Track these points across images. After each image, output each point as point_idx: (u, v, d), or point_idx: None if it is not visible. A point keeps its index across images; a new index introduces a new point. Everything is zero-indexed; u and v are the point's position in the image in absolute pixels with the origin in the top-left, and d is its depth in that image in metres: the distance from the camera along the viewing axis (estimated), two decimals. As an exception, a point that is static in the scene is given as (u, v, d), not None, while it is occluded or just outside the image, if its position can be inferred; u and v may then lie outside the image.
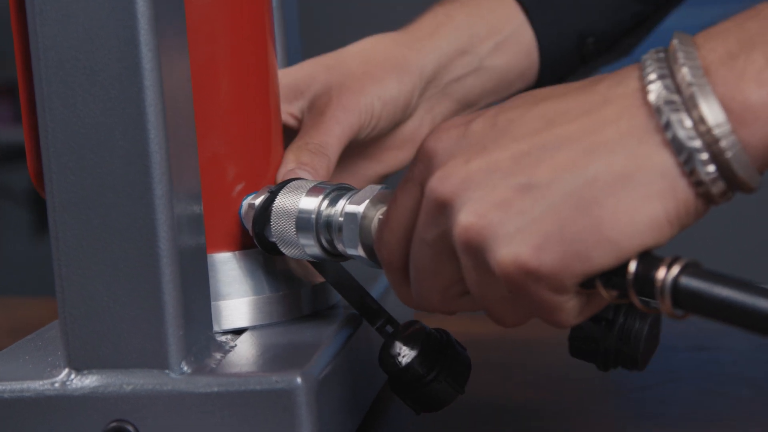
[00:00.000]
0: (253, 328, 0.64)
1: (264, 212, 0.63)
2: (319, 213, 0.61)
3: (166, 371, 0.57)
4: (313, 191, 0.62)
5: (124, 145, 0.56)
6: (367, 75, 0.75)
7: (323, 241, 0.61)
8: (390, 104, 0.75)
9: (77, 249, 0.57)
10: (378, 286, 0.73)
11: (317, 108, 0.73)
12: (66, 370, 0.58)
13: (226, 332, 0.64)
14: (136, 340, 0.57)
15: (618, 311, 0.57)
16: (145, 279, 0.56)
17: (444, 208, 0.51)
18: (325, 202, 0.61)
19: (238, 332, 0.64)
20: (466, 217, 0.50)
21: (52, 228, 0.57)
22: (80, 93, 0.56)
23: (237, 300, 0.64)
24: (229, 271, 0.65)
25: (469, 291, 0.54)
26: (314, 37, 1.70)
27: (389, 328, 0.63)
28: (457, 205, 0.51)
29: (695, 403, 0.67)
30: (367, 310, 0.64)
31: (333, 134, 0.71)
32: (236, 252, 0.66)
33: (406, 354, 0.59)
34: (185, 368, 0.57)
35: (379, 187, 0.61)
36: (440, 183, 0.52)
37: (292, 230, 0.61)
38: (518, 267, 0.49)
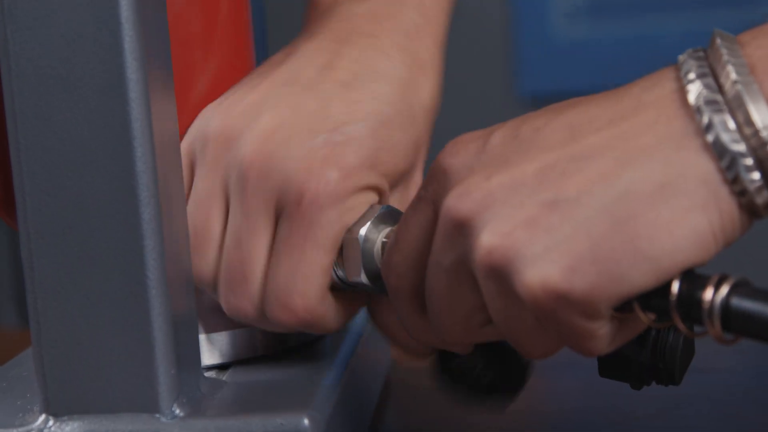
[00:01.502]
0: (238, 362, 0.59)
1: None
2: None
3: (157, 415, 0.51)
4: None
5: (107, 164, 0.50)
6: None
7: (337, 269, 0.56)
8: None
9: (55, 279, 0.51)
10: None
11: None
12: (43, 417, 0.52)
13: (209, 368, 0.58)
14: (122, 381, 0.51)
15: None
16: (132, 312, 0.50)
17: (463, 229, 0.47)
18: None
19: (222, 367, 0.59)
20: (489, 239, 0.45)
21: (26, 256, 0.51)
22: (57, 106, 0.50)
23: (222, 332, 0.59)
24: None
25: (491, 320, 0.50)
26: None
27: None
28: (477, 226, 0.46)
29: (715, 430, 0.63)
30: None
31: None
32: (219, 279, 0.60)
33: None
34: (177, 411, 0.51)
35: (380, 207, 0.56)
36: (458, 201, 0.47)
37: None
38: (547, 291, 0.44)
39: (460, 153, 0.49)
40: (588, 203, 0.44)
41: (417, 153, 0.60)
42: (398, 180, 0.58)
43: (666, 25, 1.98)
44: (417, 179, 0.60)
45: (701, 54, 0.45)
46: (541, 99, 2.02)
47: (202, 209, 0.55)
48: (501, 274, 0.45)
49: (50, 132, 0.50)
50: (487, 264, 0.45)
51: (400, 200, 0.59)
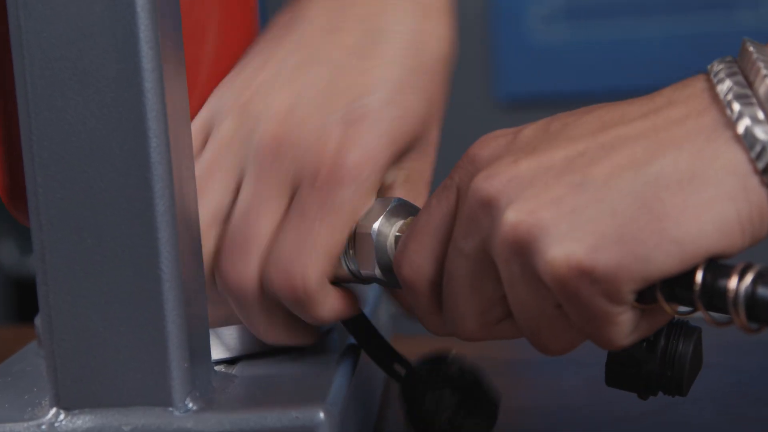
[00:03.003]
0: (247, 357, 0.58)
1: None
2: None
3: (170, 409, 0.50)
4: None
5: (121, 156, 0.49)
6: None
7: (349, 263, 0.55)
8: None
9: (67, 273, 0.50)
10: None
11: None
12: (54, 410, 0.51)
13: (217, 362, 0.58)
14: (135, 375, 0.50)
15: (659, 332, 0.52)
16: (145, 305, 0.50)
17: (488, 209, 0.47)
18: None
19: (230, 362, 0.58)
20: (515, 215, 0.45)
21: (38, 250, 0.50)
22: (71, 97, 0.49)
23: (230, 327, 0.58)
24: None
25: (509, 314, 0.50)
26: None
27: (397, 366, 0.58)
28: (503, 204, 0.46)
29: (717, 428, 0.63)
30: (371, 344, 0.59)
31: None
32: (226, 274, 0.60)
33: (441, 407, 0.54)
34: (191, 405, 0.51)
35: (391, 200, 0.56)
36: (485, 181, 0.47)
37: None
38: (571, 268, 0.44)
39: (490, 144, 0.49)
40: (616, 186, 0.44)
41: (433, 109, 0.59)
42: (416, 142, 0.58)
43: (644, 29, 1.98)
44: (434, 136, 0.59)
45: (730, 58, 0.47)
46: (518, 102, 2.02)
47: (211, 182, 0.55)
48: (525, 252, 0.45)
49: (64, 124, 0.49)
50: (511, 241, 0.45)
51: (418, 159, 0.58)
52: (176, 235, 0.50)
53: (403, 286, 0.52)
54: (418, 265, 0.51)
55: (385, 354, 0.58)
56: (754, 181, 0.43)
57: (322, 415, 0.50)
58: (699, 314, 0.45)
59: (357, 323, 0.59)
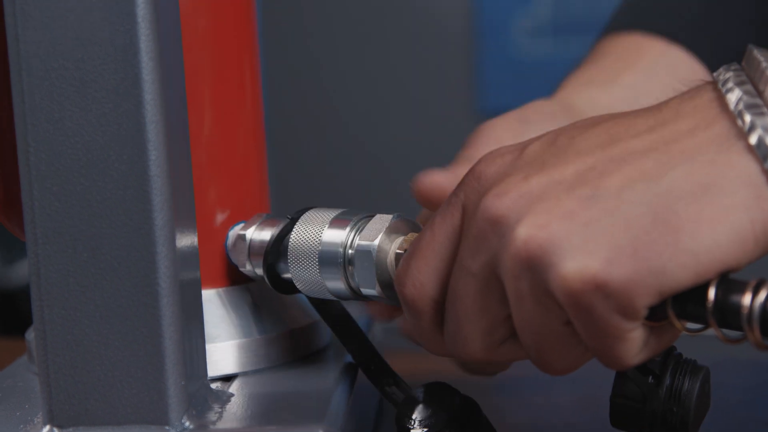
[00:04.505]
0: (243, 374, 0.57)
1: (278, 245, 0.56)
2: (345, 247, 0.54)
3: (166, 428, 0.49)
4: (337, 222, 0.55)
5: (120, 168, 0.48)
6: None
7: (350, 279, 0.54)
8: None
9: (63, 287, 0.49)
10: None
11: None
12: (47, 428, 0.50)
13: (213, 379, 0.57)
14: (131, 392, 0.49)
15: (665, 369, 0.51)
16: (142, 321, 0.49)
17: (497, 227, 0.46)
18: (352, 234, 0.55)
19: (225, 379, 0.57)
20: (526, 230, 0.44)
21: (33, 262, 0.49)
22: (69, 107, 0.48)
23: (225, 343, 0.57)
24: (214, 311, 0.58)
25: (513, 335, 0.49)
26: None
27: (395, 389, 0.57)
28: (513, 221, 0.45)
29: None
30: (370, 365, 0.58)
31: None
32: (221, 289, 0.59)
33: None
34: (187, 424, 0.50)
35: (390, 216, 0.55)
36: (495, 199, 0.46)
37: (315, 267, 0.55)
38: (586, 282, 0.43)
39: (496, 161, 0.49)
40: (628, 198, 0.43)
41: None
42: None
43: (628, 44, 1.98)
44: None
45: (737, 66, 0.46)
46: (503, 115, 2.02)
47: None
48: (536, 268, 0.44)
49: (61, 135, 0.48)
50: (522, 257, 0.44)
51: None
52: (175, 249, 0.49)
53: (404, 306, 0.51)
54: (421, 283, 0.50)
55: (383, 376, 0.57)
56: None
57: (321, 433, 0.49)
58: (711, 331, 0.45)
59: (357, 343, 0.58)
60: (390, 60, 2.22)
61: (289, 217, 0.57)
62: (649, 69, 0.79)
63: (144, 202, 0.48)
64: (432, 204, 0.60)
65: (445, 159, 0.64)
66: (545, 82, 2.06)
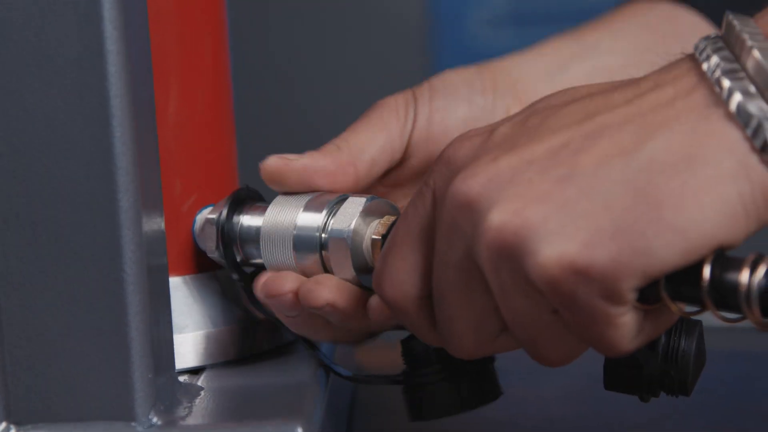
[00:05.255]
0: (212, 366, 0.54)
1: (248, 230, 0.53)
2: (320, 231, 0.52)
3: (133, 424, 0.46)
4: (312, 205, 0.52)
5: (83, 145, 0.45)
6: None
7: (325, 264, 0.52)
8: None
9: (20, 273, 0.46)
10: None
11: None
12: (3, 425, 0.46)
13: (179, 372, 0.54)
14: (95, 386, 0.46)
15: None
16: (107, 310, 0.46)
17: (469, 212, 0.43)
18: (328, 218, 0.52)
19: (193, 372, 0.54)
20: (498, 217, 0.42)
21: (-12, 248, 0.46)
22: (28, 80, 0.45)
23: (193, 333, 0.54)
24: (181, 299, 0.55)
25: (506, 327, 0.46)
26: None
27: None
28: (485, 207, 0.42)
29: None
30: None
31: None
32: (188, 276, 0.56)
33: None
34: (155, 419, 0.47)
35: (364, 199, 0.52)
36: (463, 183, 0.43)
37: (289, 251, 0.52)
38: (564, 267, 0.40)
39: (464, 144, 0.46)
40: (607, 176, 0.41)
41: None
42: None
43: (587, 35, 1.97)
44: None
45: (714, 34, 0.44)
46: (460, 107, 2.00)
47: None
48: (513, 256, 0.42)
49: (20, 109, 0.45)
50: (497, 246, 0.42)
51: None
52: (141, 233, 0.46)
53: (389, 307, 0.48)
54: (401, 281, 0.47)
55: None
56: (753, 159, 0.40)
57: (300, 430, 0.46)
58: (707, 313, 0.42)
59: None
60: (344, 51, 2.19)
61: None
62: (619, 29, 0.72)
63: (108, 182, 0.45)
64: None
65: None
66: (503, 73, 2.06)
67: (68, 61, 0.45)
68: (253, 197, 0.56)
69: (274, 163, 0.55)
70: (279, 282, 0.52)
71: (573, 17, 1.98)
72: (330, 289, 0.51)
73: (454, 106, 0.60)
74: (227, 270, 0.55)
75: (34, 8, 0.45)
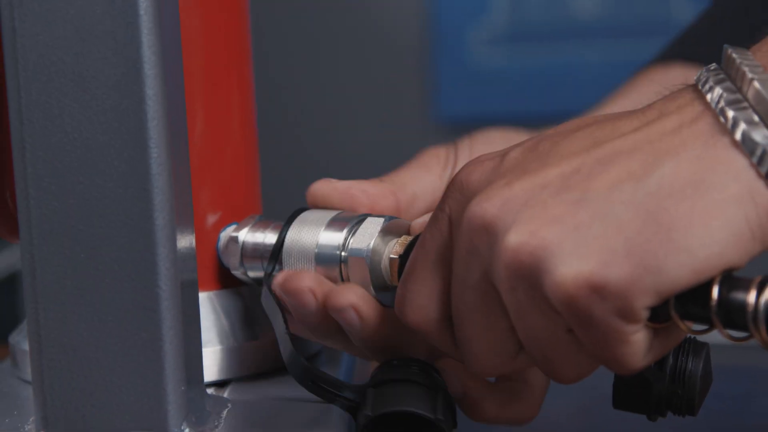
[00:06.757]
0: (236, 380, 0.56)
1: (270, 247, 0.55)
2: (341, 249, 0.53)
3: (166, 434, 0.48)
4: (334, 224, 0.54)
5: (120, 166, 0.47)
6: None
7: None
8: None
9: (59, 289, 0.47)
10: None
11: None
12: (41, 435, 0.48)
13: (207, 385, 0.55)
14: (129, 399, 0.48)
15: None
16: (142, 324, 0.47)
17: (486, 235, 0.45)
18: (349, 236, 0.54)
19: (219, 385, 0.56)
20: (515, 238, 0.43)
21: (27, 264, 0.47)
22: (67, 103, 0.47)
23: (217, 348, 0.56)
24: (206, 315, 0.56)
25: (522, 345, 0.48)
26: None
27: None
28: (501, 228, 0.44)
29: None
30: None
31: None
32: (212, 292, 0.57)
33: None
34: (187, 431, 0.48)
35: (382, 219, 0.54)
36: (478, 206, 0.45)
37: (311, 268, 0.53)
38: (581, 285, 0.42)
39: (477, 170, 0.48)
40: (618, 199, 0.43)
41: None
42: None
43: (584, 54, 1.99)
44: None
45: (714, 66, 0.46)
46: (458, 125, 2.01)
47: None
48: (529, 276, 0.43)
49: (59, 131, 0.47)
50: (514, 266, 0.43)
51: None
52: (175, 250, 0.47)
53: (414, 330, 0.50)
54: (422, 306, 0.48)
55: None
56: (759, 184, 0.42)
57: (328, 441, 0.47)
58: (715, 332, 0.44)
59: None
60: (344, 69, 2.21)
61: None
62: (637, 99, 0.75)
63: (145, 201, 0.47)
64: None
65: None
66: (501, 91, 2.07)
67: (107, 86, 0.46)
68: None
69: (320, 187, 0.57)
70: (298, 277, 0.53)
71: (570, 36, 2.00)
72: (355, 293, 0.52)
73: None
74: (252, 284, 0.56)
75: (75, 34, 0.46)
